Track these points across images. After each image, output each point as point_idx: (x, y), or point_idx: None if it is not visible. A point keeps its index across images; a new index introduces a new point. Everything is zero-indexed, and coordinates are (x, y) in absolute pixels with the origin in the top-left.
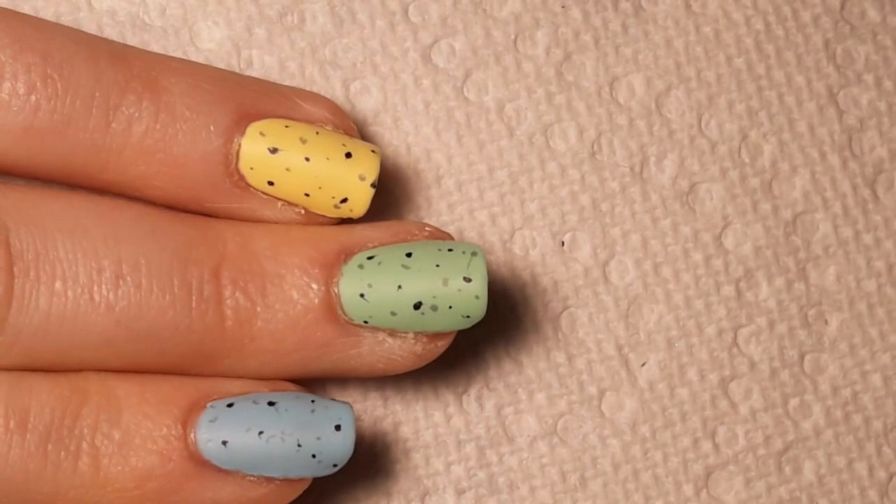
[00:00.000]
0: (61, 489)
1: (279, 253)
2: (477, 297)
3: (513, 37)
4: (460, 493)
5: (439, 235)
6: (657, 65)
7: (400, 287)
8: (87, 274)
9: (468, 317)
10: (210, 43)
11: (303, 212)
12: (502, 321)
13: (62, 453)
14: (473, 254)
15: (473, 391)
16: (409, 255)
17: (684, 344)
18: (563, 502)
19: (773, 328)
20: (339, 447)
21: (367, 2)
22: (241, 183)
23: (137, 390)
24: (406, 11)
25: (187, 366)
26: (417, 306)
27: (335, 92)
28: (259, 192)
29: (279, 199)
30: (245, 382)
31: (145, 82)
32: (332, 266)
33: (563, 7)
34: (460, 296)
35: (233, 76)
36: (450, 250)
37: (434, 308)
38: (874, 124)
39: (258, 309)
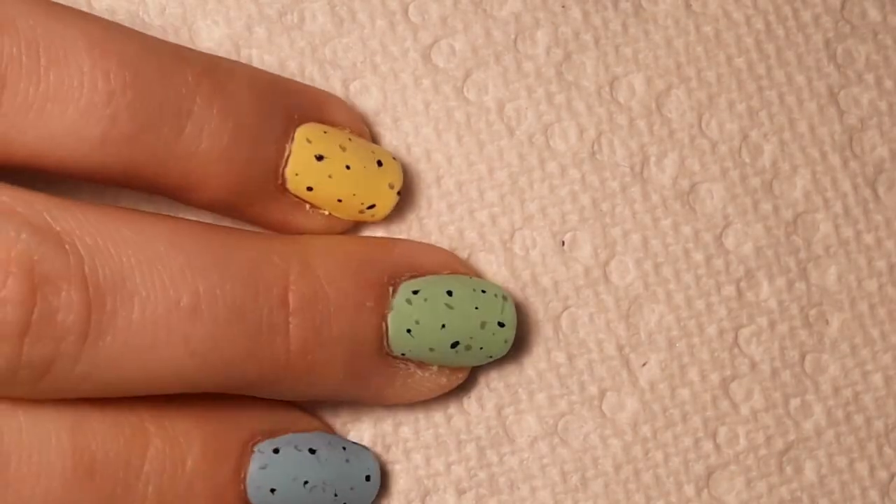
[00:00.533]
0: None
1: (336, 278)
2: (506, 341)
3: (513, 37)
4: (461, 493)
5: (469, 271)
6: (657, 64)
7: (444, 327)
8: (165, 306)
9: (491, 357)
10: (209, 42)
11: (327, 213)
12: None
13: (129, 499)
14: (504, 298)
15: (474, 391)
16: (449, 293)
17: (685, 344)
18: (564, 502)
19: (774, 328)
20: (366, 496)
21: (367, 1)
22: (282, 187)
23: (197, 434)
24: (406, 11)
25: (244, 389)
26: (454, 345)
27: (335, 92)
28: (293, 196)
29: (310, 203)
30: (284, 415)
31: (212, 87)
32: (383, 297)
33: (563, 7)
34: (493, 339)
35: (276, 78)
36: (483, 292)
37: (468, 348)
38: (875, 124)
39: (322, 340)
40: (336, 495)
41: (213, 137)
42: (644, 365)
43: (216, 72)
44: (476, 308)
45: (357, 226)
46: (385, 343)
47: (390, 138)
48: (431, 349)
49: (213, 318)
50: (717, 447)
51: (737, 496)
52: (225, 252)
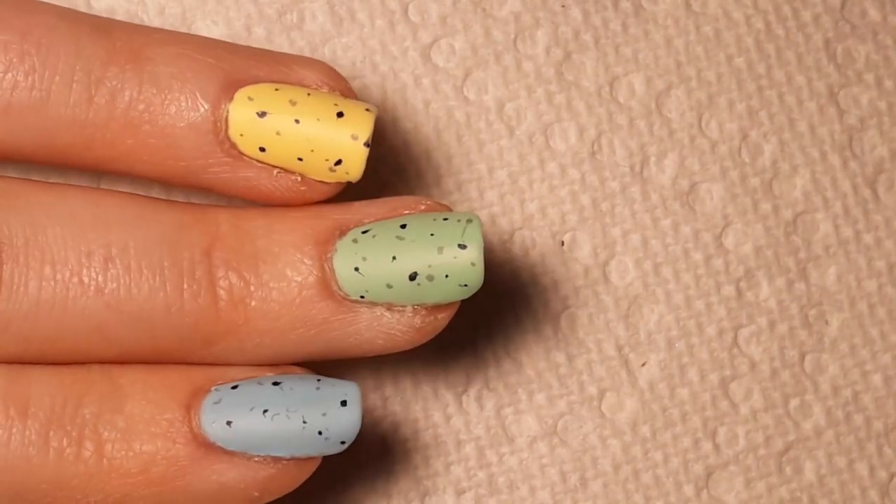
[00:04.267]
0: (64, 477)
1: (272, 231)
2: (473, 263)
3: (513, 36)
4: (460, 493)
5: (437, 208)
6: (657, 64)
7: (394, 258)
8: (76, 258)
9: (465, 286)
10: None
11: (299, 179)
12: (502, 321)
13: (64, 440)
14: (469, 221)
15: (473, 391)
16: (403, 226)
17: (685, 344)
18: (564, 503)
19: (773, 328)
20: (345, 423)
21: (366, 1)
22: (234, 151)
23: (141, 378)
24: (406, 11)
25: (184, 351)
26: (413, 277)
27: None
28: (253, 161)
29: (273, 166)
30: (250, 369)
31: (128, 54)
32: (326, 242)
33: (563, 6)
34: (456, 263)
35: (223, 44)
36: (445, 219)
37: (430, 278)
38: (875, 124)
39: (252, 288)
40: (305, 422)
41: (128, 102)
42: (643, 365)
43: (136, 40)
44: (432, 235)
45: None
46: (336, 286)
47: (390, 138)
48: (389, 285)
49: (126, 268)
50: (717, 447)
51: (736, 496)
52: (146, 210)
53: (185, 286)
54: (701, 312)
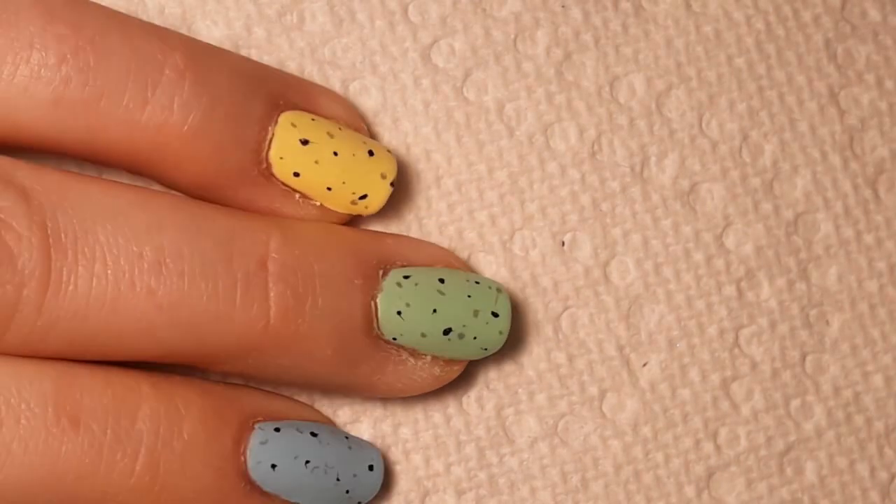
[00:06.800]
0: (111, 491)
1: (323, 251)
2: (501, 332)
3: (513, 37)
4: (460, 493)
5: (466, 268)
6: (657, 64)
7: (435, 311)
8: (127, 259)
9: (486, 349)
10: (209, 42)
11: (318, 205)
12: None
13: (118, 454)
14: (499, 290)
15: (473, 392)
16: (441, 280)
17: (686, 344)
18: (565, 503)
19: (774, 328)
20: (369, 486)
21: (366, 1)
22: (267, 172)
23: (196, 401)
24: (405, 11)
25: (226, 356)
26: (447, 332)
27: None
28: (280, 184)
29: (299, 192)
30: (285, 403)
31: (186, 60)
32: (372, 278)
33: (563, 7)
34: (487, 329)
35: (261, 65)
36: (476, 283)
37: (461, 336)
38: (875, 124)
39: (305, 308)
40: (339, 480)
41: (183, 110)
42: (644, 365)
43: (192, 47)
44: (469, 297)
45: (353, 221)
46: (375, 325)
47: (390, 138)
48: (423, 335)
49: (179, 273)
50: (718, 448)
51: (737, 497)
52: (198, 215)
53: (239, 296)
54: (702, 312)
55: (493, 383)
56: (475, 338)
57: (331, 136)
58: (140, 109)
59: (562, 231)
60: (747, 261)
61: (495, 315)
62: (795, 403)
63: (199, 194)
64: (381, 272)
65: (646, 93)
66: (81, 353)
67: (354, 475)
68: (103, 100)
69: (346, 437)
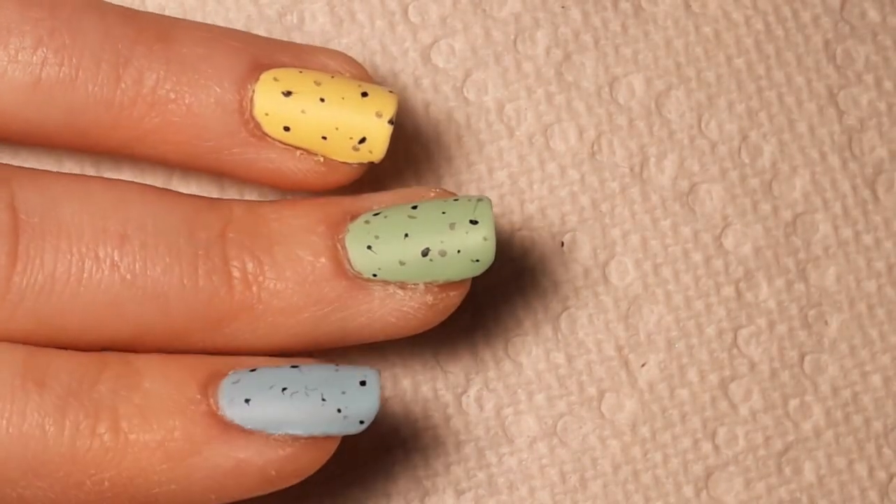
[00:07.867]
0: (79, 451)
1: (284, 216)
2: (485, 238)
3: (513, 37)
4: (460, 493)
5: (447, 195)
6: (657, 65)
7: (407, 235)
8: (92, 234)
9: (477, 261)
10: None
11: (322, 160)
12: (502, 322)
13: (80, 414)
14: (479, 200)
15: (473, 392)
16: (414, 207)
17: (684, 345)
18: (563, 503)
19: (773, 329)
20: (365, 402)
21: (366, 2)
22: (258, 131)
23: (158, 360)
24: (406, 11)
25: (197, 331)
26: (425, 253)
27: None
28: (276, 141)
29: (297, 147)
30: (266, 359)
31: (156, 35)
32: (338, 224)
33: (563, 7)
34: (468, 238)
35: (248, 33)
36: (455, 200)
37: (442, 254)
38: (874, 125)
39: (265, 268)
40: (324, 399)
41: (155, 81)
42: (643, 366)
43: (164, 24)
44: (443, 213)
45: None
46: (349, 265)
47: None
48: (402, 262)
49: (142, 245)
50: (716, 448)
51: (736, 497)
52: (164, 196)
53: (200, 264)
54: (700, 313)
55: (492, 383)
56: (459, 251)
57: (318, 83)
58: (114, 85)
59: (561, 232)
60: (746, 261)
61: (474, 223)
62: (794, 403)
63: (197, 165)
64: (349, 218)
65: (645, 93)
66: (50, 332)
67: (343, 392)
68: (79, 79)
69: (337, 365)
